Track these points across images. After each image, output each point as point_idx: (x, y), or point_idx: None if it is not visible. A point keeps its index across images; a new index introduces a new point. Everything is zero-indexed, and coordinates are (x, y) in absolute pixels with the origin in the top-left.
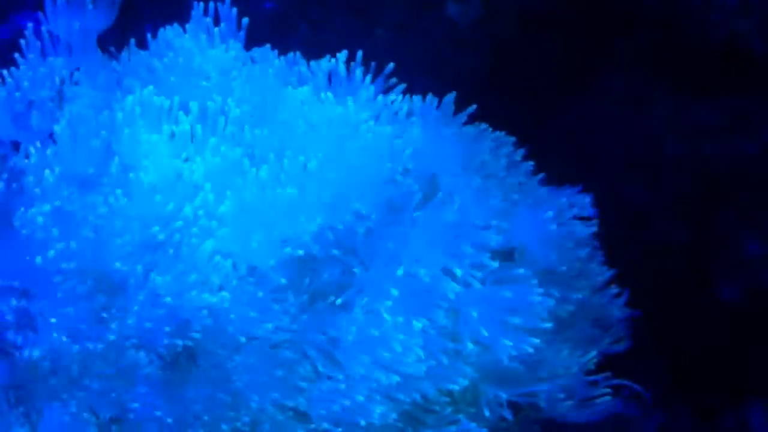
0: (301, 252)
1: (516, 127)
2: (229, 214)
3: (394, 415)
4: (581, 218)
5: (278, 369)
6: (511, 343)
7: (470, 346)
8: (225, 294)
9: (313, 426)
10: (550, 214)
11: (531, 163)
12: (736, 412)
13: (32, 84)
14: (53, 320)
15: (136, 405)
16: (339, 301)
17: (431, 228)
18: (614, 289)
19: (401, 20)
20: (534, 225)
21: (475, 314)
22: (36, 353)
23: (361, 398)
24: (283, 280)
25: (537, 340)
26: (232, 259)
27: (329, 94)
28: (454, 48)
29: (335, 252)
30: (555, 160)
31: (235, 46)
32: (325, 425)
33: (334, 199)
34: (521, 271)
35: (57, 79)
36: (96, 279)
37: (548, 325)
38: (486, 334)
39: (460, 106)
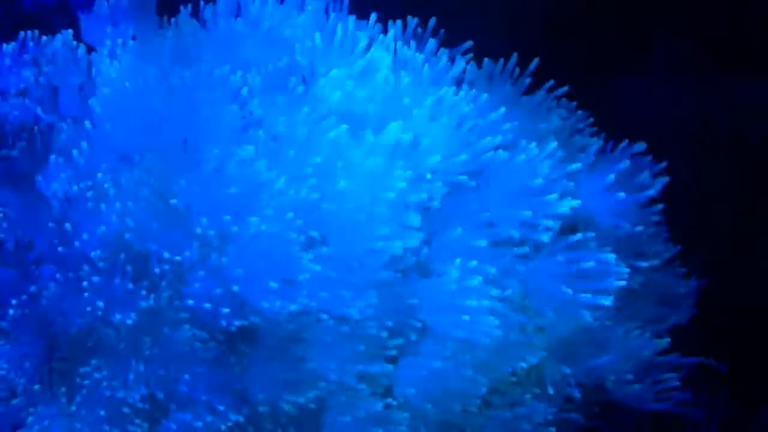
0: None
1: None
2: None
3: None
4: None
5: (359, 343)
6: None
7: (542, 317)
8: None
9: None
10: (612, 178)
11: (591, 123)
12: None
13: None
14: (100, 300)
15: (184, 388)
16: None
17: (507, 192)
18: (679, 266)
19: None
20: (601, 192)
21: (546, 282)
22: (77, 330)
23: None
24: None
25: (610, 300)
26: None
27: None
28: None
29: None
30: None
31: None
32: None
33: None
34: (592, 239)
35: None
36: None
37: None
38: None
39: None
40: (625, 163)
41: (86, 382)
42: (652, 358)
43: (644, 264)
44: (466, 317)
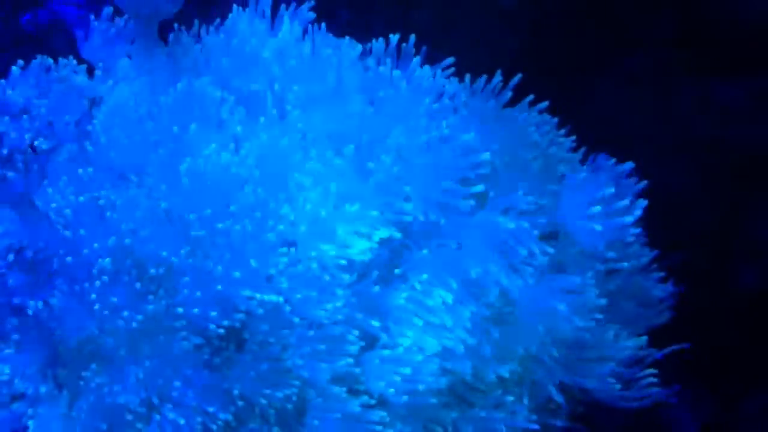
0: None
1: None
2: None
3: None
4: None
5: (329, 343)
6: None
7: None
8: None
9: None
10: (597, 203)
11: (572, 139)
12: (757, 397)
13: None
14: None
15: (177, 391)
16: (398, 270)
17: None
18: (656, 270)
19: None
20: (579, 208)
21: (525, 300)
22: (77, 335)
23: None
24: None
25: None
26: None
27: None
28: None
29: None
30: (584, 141)
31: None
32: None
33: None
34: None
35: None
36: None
37: (598, 316)
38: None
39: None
40: (608, 189)
41: (87, 386)
42: (632, 357)
43: (624, 266)
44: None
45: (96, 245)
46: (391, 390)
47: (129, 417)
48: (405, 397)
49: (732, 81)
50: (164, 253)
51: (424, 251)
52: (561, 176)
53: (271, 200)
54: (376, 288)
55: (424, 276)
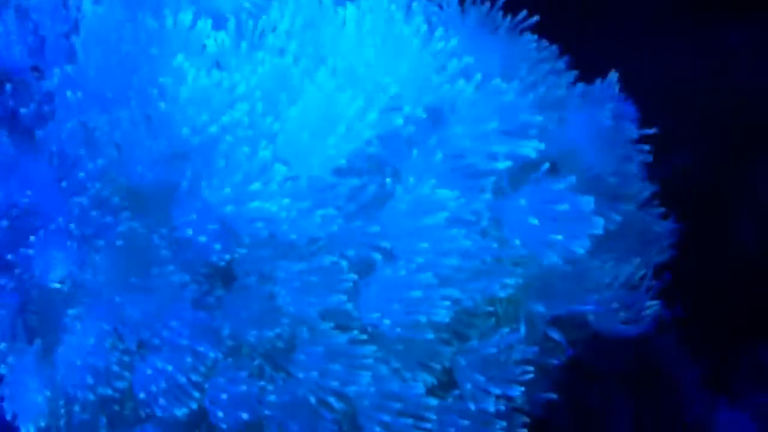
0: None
1: None
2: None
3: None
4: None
5: (323, 274)
6: (558, 246)
7: (515, 250)
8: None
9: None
10: (606, 112)
11: (574, 72)
12: (755, 352)
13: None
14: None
15: (164, 332)
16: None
17: (473, 125)
18: (656, 206)
19: None
20: (585, 123)
21: (520, 217)
22: (57, 277)
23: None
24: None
25: (586, 243)
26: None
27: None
28: None
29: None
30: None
31: None
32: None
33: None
34: (571, 177)
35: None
36: (126, 196)
37: (597, 231)
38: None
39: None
40: (610, 103)
41: (66, 331)
42: (631, 286)
43: (623, 205)
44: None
45: (81, 174)
46: (387, 321)
47: (114, 367)
48: (399, 330)
49: (734, 25)
50: (151, 175)
51: (415, 153)
52: (560, 101)
53: (261, 118)
54: (371, 192)
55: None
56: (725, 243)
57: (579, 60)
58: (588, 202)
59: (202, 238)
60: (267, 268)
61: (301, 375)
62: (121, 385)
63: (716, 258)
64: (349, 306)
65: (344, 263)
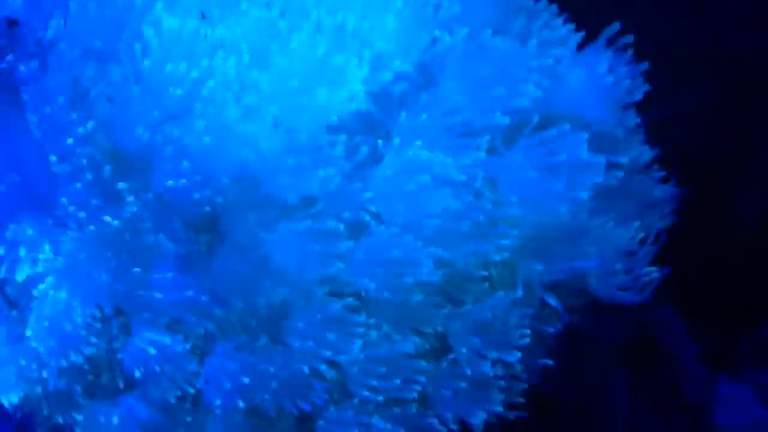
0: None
1: None
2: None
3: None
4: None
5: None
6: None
7: (513, 210)
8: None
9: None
10: (603, 67)
11: (570, 27)
12: (755, 333)
13: None
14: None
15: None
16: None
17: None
18: (656, 170)
19: None
20: (582, 80)
21: (516, 172)
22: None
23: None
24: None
25: (587, 193)
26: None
27: None
28: None
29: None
30: None
31: None
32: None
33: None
34: (567, 126)
35: None
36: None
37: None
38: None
39: None
40: (609, 56)
41: (38, 301)
42: (630, 252)
43: (623, 160)
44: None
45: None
46: (373, 285)
47: (93, 338)
48: (387, 293)
49: None
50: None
51: (404, 114)
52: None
53: (248, 69)
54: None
55: (417, 143)
56: (723, 218)
57: (578, 18)
58: (583, 140)
59: (192, 196)
60: (262, 229)
61: (296, 344)
62: (92, 352)
63: (714, 234)
64: (343, 271)
65: (342, 227)
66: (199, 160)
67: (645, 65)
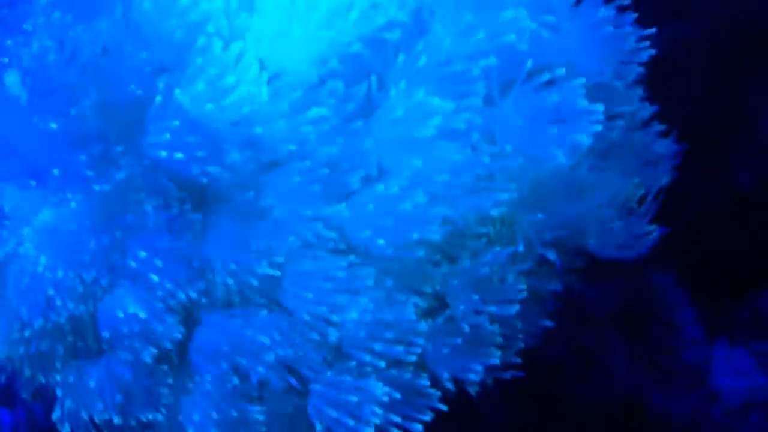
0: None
1: None
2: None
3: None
4: None
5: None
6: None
7: (512, 161)
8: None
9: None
10: (601, 16)
11: None
12: (753, 300)
13: None
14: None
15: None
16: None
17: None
18: (657, 126)
19: None
20: (581, 31)
21: (512, 120)
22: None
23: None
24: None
25: (588, 140)
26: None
27: None
28: None
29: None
30: None
31: None
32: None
33: None
34: (563, 72)
35: None
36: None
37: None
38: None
39: None
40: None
41: (17, 262)
42: (629, 209)
43: (622, 111)
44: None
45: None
46: (381, 241)
47: (74, 300)
48: (390, 250)
49: None
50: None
51: (401, 59)
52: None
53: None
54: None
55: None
56: (721, 181)
57: None
58: (579, 87)
59: (178, 155)
60: (258, 179)
61: (295, 304)
62: (74, 314)
63: (712, 199)
64: (344, 224)
65: (344, 175)
66: (194, 115)
67: (652, 30)
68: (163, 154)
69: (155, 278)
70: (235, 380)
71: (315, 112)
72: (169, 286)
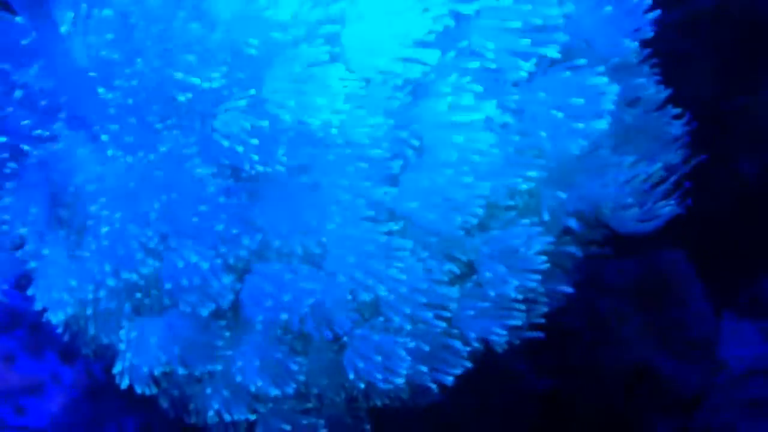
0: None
1: None
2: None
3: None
4: None
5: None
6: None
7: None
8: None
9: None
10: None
11: None
12: (753, 286)
13: None
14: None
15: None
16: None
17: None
18: (671, 109)
19: None
20: (595, 15)
21: (542, 103)
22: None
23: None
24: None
25: (606, 123)
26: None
27: None
28: None
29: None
30: None
31: None
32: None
33: None
34: (583, 61)
35: None
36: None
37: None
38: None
39: None
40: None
41: (94, 225)
42: (646, 186)
43: (639, 95)
44: (459, 138)
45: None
46: (430, 215)
47: (140, 254)
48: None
49: None
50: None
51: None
52: None
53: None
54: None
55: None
56: (724, 169)
57: None
58: (597, 72)
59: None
60: (309, 156)
61: (336, 265)
62: (145, 271)
63: (715, 185)
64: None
65: (388, 154)
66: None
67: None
68: (225, 143)
69: (220, 227)
70: (279, 330)
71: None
72: (227, 243)
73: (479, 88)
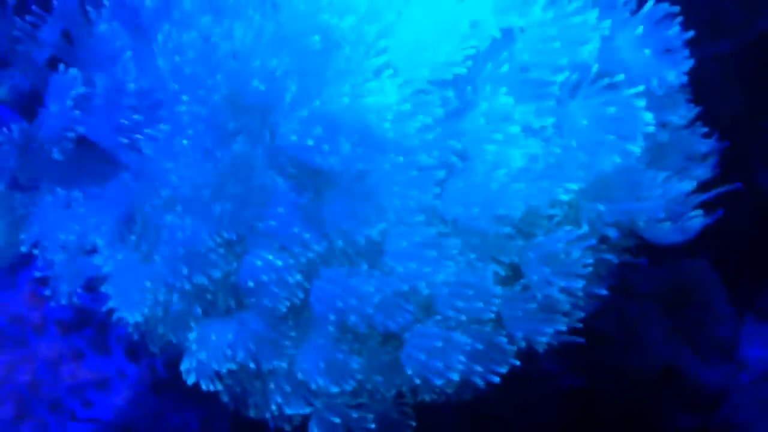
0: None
1: None
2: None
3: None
4: None
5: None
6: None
7: (576, 155)
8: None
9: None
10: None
11: None
12: None
13: None
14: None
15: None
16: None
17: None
18: (701, 126)
19: None
20: (633, 39)
21: (581, 122)
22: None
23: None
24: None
25: (639, 147)
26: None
27: None
28: None
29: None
30: None
31: None
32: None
33: None
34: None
35: None
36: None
37: (651, 128)
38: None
39: None
40: (656, 15)
41: (168, 228)
42: (680, 200)
43: (673, 118)
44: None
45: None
46: (475, 211)
47: (213, 256)
48: (479, 223)
49: None
50: (261, 87)
51: (489, 66)
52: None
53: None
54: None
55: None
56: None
57: None
58: (635, 96)
59: (310, 141)
60: (365, 164)
61: (395, 265)
62: (217, 274)
63: (735, 198)
64: (437, 201)
65: (434, 162)
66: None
67: (691, 33)
68: (293, 138)
69: (280, 241)
70: (338, 330)
71: (424, 119)
72: (300, 244)
73: (531, 108)
